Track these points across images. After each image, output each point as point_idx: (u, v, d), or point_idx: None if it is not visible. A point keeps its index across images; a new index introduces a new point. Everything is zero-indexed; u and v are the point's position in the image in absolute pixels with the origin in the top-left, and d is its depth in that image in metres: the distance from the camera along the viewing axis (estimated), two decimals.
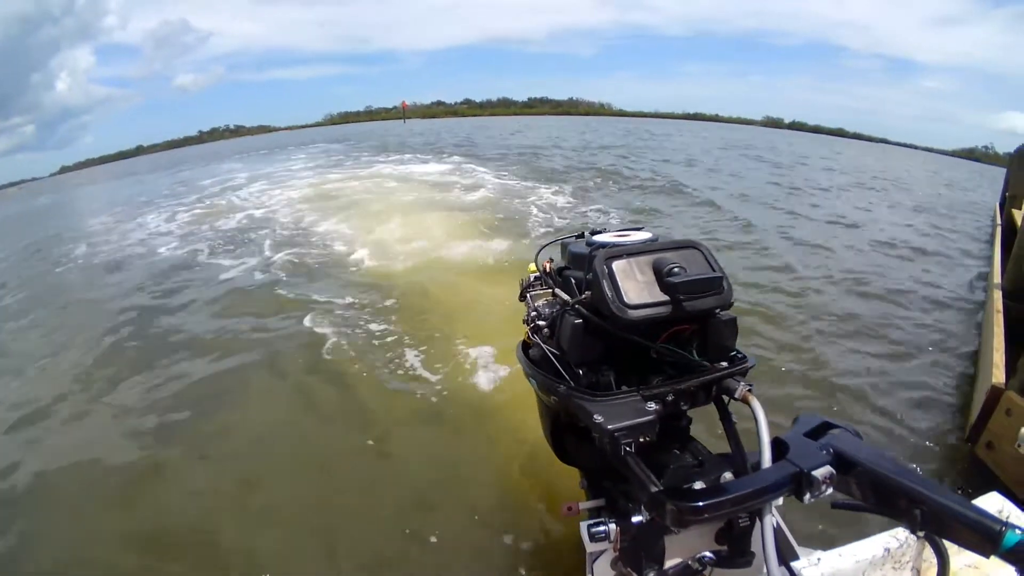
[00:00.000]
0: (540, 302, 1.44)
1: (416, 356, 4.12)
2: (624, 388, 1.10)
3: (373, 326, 4.77)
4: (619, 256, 1.09)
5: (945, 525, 0.80)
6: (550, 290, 1.45)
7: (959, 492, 0.83)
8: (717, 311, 1.10)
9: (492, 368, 3.79)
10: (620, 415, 0.99)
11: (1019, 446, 2.46)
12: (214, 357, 4.43)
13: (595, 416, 1.00)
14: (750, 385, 1.06)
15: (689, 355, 1.10)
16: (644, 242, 1.19)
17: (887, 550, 1.16)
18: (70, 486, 3.00)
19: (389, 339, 4.47)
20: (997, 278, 4.94)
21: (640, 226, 1.35)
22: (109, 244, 9.69)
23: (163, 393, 3.93)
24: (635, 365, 1.14)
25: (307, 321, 4.98)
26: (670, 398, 1.07)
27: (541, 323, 1.32)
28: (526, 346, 1.49)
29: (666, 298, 1.04)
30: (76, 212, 17.62)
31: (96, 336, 5.21)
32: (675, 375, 1.11)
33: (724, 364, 1.12)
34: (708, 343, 1.12)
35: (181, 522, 2.67)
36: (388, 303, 5.28)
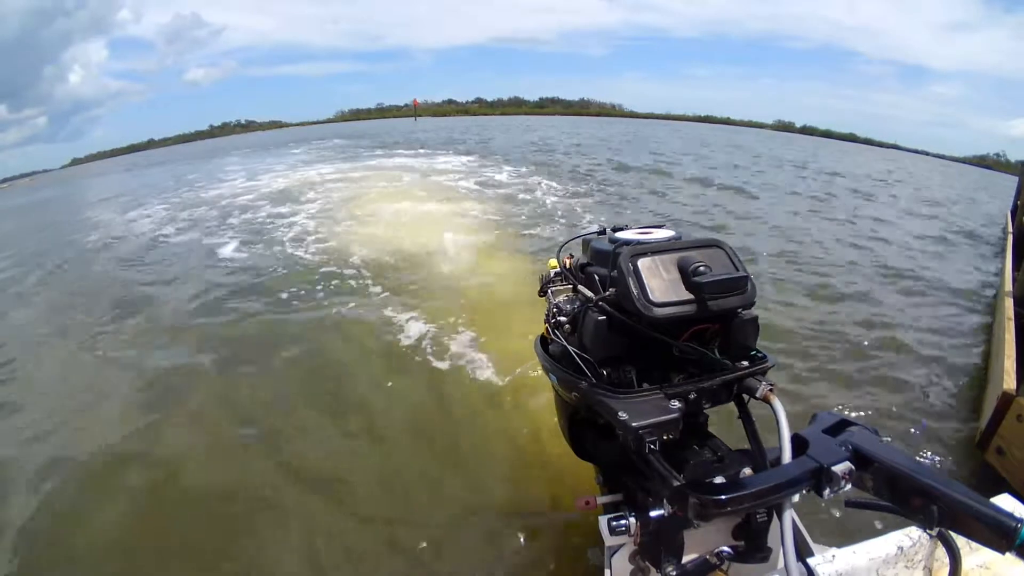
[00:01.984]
0: (560, 298, 1.44)
1: (428, 348, 4.15)
2: (646, 385, 1.11)
3: (385, 313, 4.82)
4: (644, 254, 1.10)
5: (961, 521, 0.81)
6: (570, 286, 1.45)
7: None
8: (739, 310, 1.11)
9: (506, 362, 3.79)
10: (645, 413, 1.00)
11: None
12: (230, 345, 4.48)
13: (620, 414, 1.01)
14: (771, 384, 1.06)
15: (711, 353, 1.11)
16: (668, 240, 1.19)
17: (900, 548, 1.17)
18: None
19: (397, 330, 4.49)
20: (1008, 285, 4.93)
21: (661, 224, 1.36)
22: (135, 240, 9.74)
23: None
24: (657, 362, 1.15)
25: (316, 311, 5.04)
26: (692, 396, 1.08)
27: (562, 319, 1.32)
28: (545, 341, 1.49)
29: (691, 297, 1.05)
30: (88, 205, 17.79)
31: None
32: (696, 373, 1.11)
33: (745, 363, 1.13)
34: (730, 342, 1.13)
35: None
36: (404, 292, 5.34)
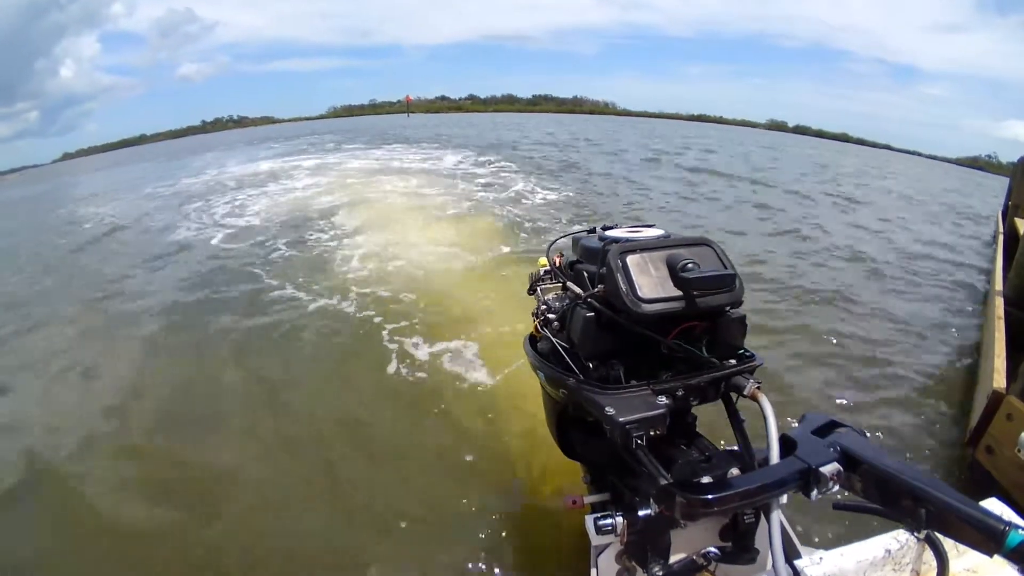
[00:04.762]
0: (550, 295, 1.44)
1: (415, 347, 4.12)
2: (634, 382, 1.10)
3: (371, 313, 4.79)
4: (633, 251, 1.10)
5: (949, 524, 0.81)
6: (560, 284, 1.45)
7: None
8: (727, 308, 1.11)
9: (494, 361, 3.78)
10: (631, 408, 1.01)
11: (1019, 451, 2.46)
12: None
13: (607, 408, 1.01)
14: (759, 382, 1.07)
15: (699, 351, 1.10)
16: (657, 238, 1.20)
17: (888, 551, 1.16)
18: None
19: (386, 329, 4.47)
20: (999, 285, 4.94)
21: (651, 223, 1.36)
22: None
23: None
24: (645, 360, 1.15)
25: (298, 311, 5.04)
26: (680, 393, 1.08)
27: (551, 316, 1.33)
28: (533, 339, 1.50)
29: (679, 294, 1.05)
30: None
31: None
32: (684, 371, 1.11)
33: (733, 361, 1.13)
34: (718, 340, 1.13)
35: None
36: (390, 294, 5.28)
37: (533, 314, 1.46)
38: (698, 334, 1.12)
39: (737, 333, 1.13)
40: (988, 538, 0.75)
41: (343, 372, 3.94)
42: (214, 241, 8.06)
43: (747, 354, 1.15)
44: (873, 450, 0.91)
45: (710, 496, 0.89)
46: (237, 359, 4.21)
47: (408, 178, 12.61)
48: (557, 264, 1.50)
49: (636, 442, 0.98)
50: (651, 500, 1.05)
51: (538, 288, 1.56)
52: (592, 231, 1.42)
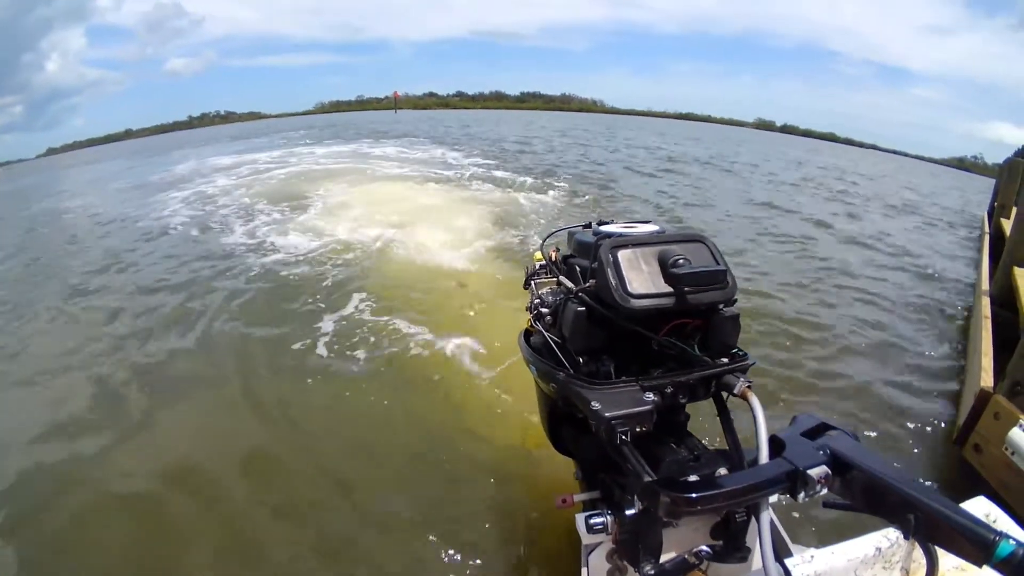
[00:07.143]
0: (544, 290, 1.45)
1: (405, 342, 4.08)
2: (623, 378, 1.10)
3: (362, 312, 4.73)
4: (625, 246, 1.10)
5: (939, 532, 0.80)
6: (555, 279, 1.46)
7: (948, 495, 0.84)
8: (720, 306, 1.11)
9: (488, 356, 3.75)
10: (618, 403, 1.01)
11: (1007, 449, 2.49)
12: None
13: (593, 403, 1.01)
14: (749, 382, 1.06)
15: (690, 349, 1.10)
16: (650, 234, 1.19)
17: (878, 550, 1.16)
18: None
19: (374, 325, 4.42)
20: (985, 285, 5.00)
21: (647, 219, 1.35)
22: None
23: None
24: (636, 356, 1.14)
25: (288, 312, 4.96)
26: (669, 390, 1.07)
27: (544, 310, 1.33)
28: (528, 334, 1.51)
29: (670, 289, 1.05)
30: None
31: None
32: (675, 368, 1.11)
33: (724, 360, 1.13)
34: (710, 338, 1.12)
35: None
36: (380, 286, 5.24)
37: (527, 308, 1.46)
38: (690, 331, 1.12)
39: (730, 331, 1.12)
40: (978, 548, 0.73)
41: (318, 366, 3.89)
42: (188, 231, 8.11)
43: (740, 353, 1.14)
44: (864, 454, 0.91)
45: (694, 495, 0.89)
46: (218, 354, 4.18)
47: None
48: (552, 258, 1.51)
49: (621, 438, 0.97)
50: (635, 497, 1.05)
51: (533, 282, 1.57)
52: (587, 226, 1.42)
